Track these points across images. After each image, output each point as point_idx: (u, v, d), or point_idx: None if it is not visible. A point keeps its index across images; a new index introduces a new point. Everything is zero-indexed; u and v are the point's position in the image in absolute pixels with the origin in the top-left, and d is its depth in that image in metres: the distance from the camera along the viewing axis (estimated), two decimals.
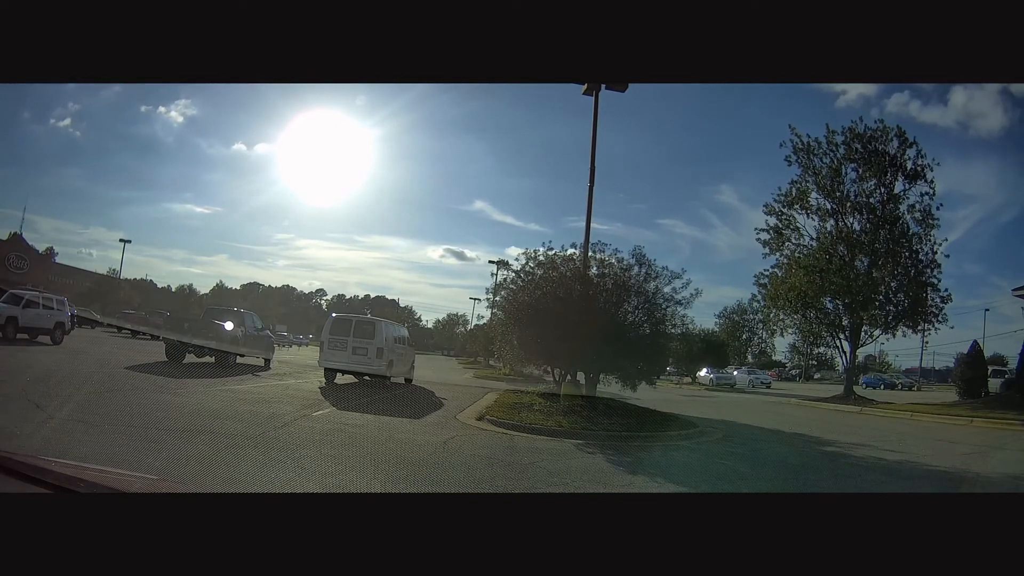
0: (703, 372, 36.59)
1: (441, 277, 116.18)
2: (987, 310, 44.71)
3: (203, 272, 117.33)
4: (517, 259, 12.85)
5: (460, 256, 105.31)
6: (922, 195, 22.19)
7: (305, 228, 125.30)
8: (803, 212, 23.36)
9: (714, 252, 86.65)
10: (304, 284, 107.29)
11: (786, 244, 23.83)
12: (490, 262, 38.29)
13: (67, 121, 73.87)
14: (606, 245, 12.56)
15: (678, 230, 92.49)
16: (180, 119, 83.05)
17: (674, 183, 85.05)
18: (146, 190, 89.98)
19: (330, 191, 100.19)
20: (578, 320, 10.87)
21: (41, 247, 55.34)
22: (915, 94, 60.53)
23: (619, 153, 70.16)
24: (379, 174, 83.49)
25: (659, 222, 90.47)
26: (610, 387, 12.22)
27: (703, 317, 53.45)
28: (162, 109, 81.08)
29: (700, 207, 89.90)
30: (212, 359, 14.67)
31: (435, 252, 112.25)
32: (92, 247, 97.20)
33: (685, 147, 79.26)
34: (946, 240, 22.63)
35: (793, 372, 55.96)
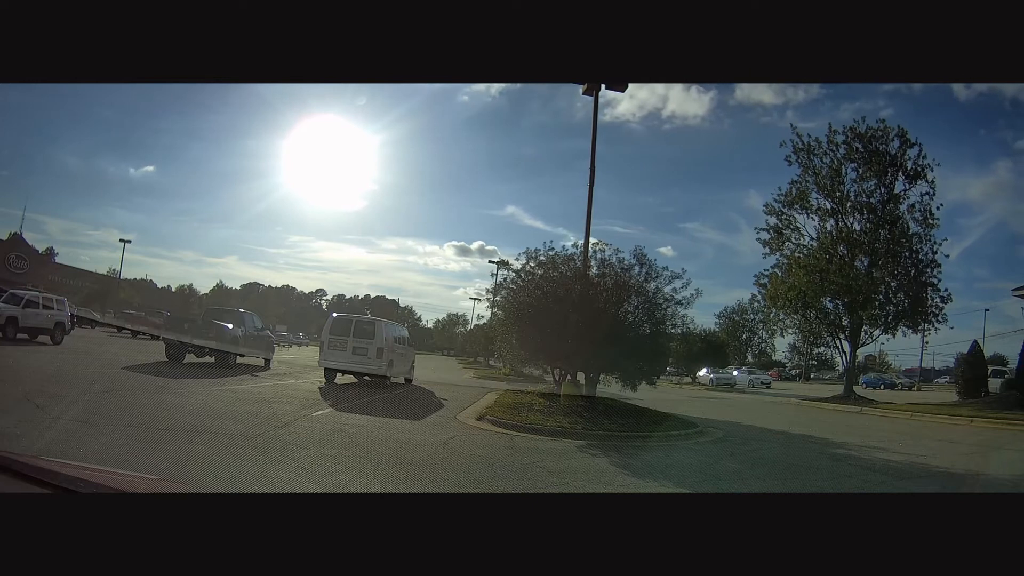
0: (703, 372, 36.55)
1: (455, 280, 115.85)
2: (987, 310, 44.52)
3: (208, 273, 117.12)
4: (518, 258, 12.85)
5: (482, 258, 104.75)
6: (922, 195, 22.22)
7: (322, 230, 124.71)
8: (803, 212, 23.41)
9: (737, 256, 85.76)
10: (309, 285, 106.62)
11: (786, 244, 23.87)
12: (490, 262, 38.29)
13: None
14: (607, 245, 12.56)
15: (701, 234, 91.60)
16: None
17: (702, 187, 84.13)
18: (154, 191, 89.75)
19: (349, 194, 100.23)
20: (578, 320, 10.88)
21: (44, 248, 55.40)
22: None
23: (644, 156, 69.31)
24: (391, 177, 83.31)
25: (683, 226, 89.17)
26: (610, 387, 12.23)
27: (706, 318, 53.45)
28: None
29: (727, 210, 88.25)
30: (212, 359, 14.67)
31: (453, 253, 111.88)
32: (101, 248, 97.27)
33: (714, 150, 78.57)
34: (946, 239, 22.71)
35: (793, 372, 55.93)
